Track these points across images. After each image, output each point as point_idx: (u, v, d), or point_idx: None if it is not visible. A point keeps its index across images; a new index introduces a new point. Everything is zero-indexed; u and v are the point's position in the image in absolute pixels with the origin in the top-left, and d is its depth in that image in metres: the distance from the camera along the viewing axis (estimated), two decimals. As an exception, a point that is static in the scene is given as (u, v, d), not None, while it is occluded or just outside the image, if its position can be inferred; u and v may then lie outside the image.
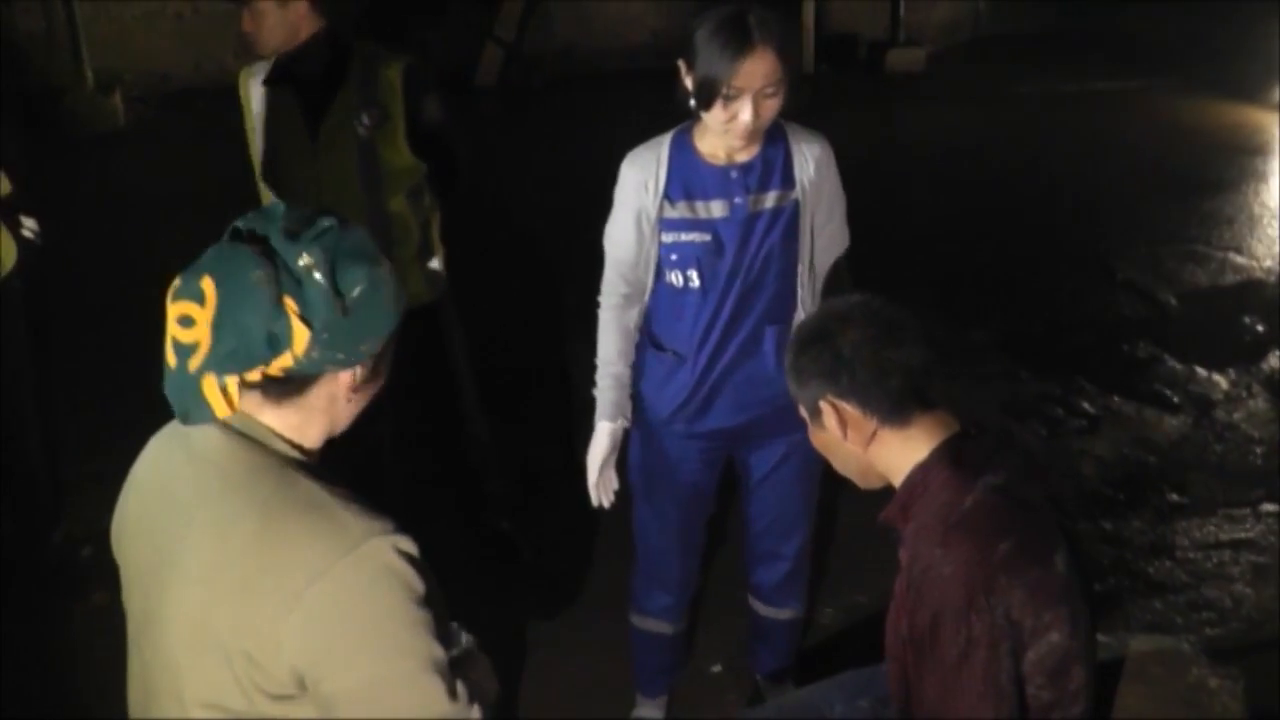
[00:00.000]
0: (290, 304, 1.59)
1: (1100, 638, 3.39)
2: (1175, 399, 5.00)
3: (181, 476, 1.72)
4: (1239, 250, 6.49)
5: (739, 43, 2.58)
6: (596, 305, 2.93)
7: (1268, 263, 6.35)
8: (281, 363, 1.62)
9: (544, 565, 4.04)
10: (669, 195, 2.75)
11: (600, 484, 2.93)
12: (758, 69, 2.58)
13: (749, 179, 2.76)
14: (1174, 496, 4.39)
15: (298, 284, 1.60)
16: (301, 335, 1.60)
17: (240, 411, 1.69)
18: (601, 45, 10.28)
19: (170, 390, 1.66)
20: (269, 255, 1.61)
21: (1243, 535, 4.16)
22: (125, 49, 8.73)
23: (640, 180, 2.76)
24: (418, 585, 1.63)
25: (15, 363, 3.72)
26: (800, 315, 2.82)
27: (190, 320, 1.60)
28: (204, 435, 1.69)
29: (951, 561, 1.85)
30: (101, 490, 4.16)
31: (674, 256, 2.78)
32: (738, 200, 2.75)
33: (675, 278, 2.80)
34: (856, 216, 3.00)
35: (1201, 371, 5.19)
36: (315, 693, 1.61)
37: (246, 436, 1.69)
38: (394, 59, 3.40)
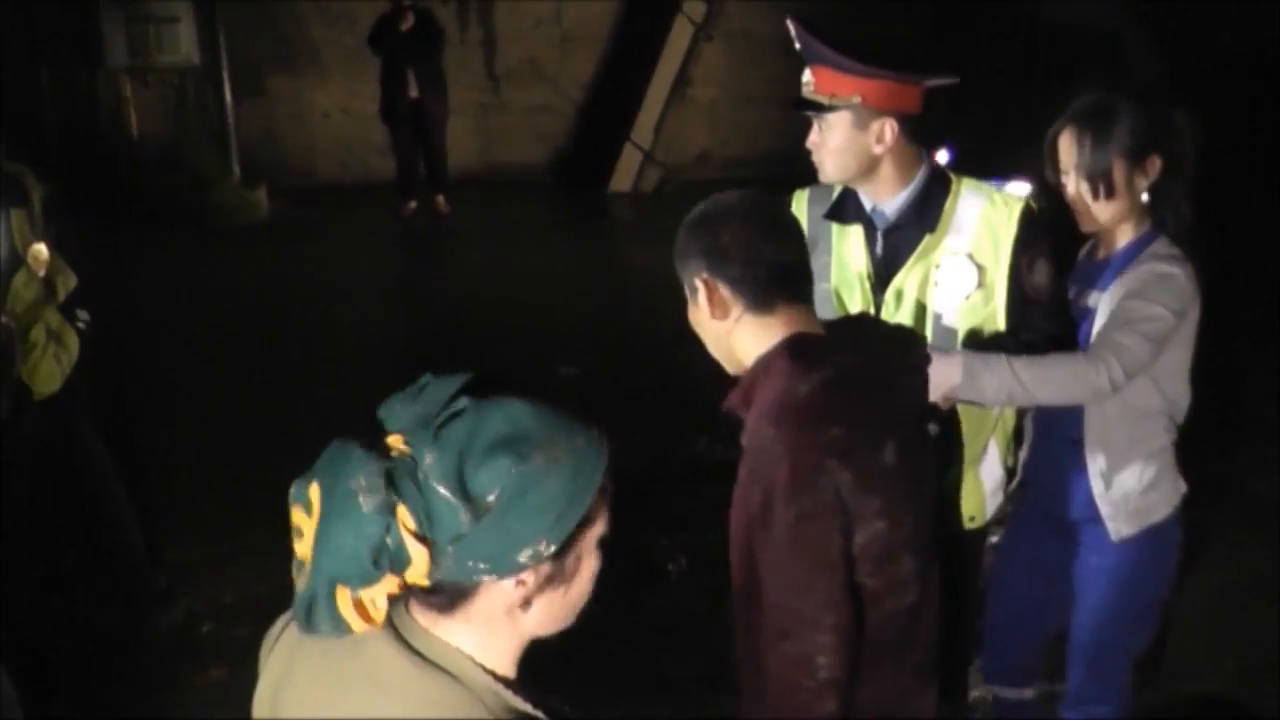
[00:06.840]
0: (404, 515, 1.25)
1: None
2: None
3: (350, 702, 1.34)
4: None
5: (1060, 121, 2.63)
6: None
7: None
8: (412, 577, 1.28)
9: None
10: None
11: None
12: (1064, 145, 2.61)
13: (1095, 274, 2.71)
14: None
15: (418, 489, 1.26)
16: (420, 554, 1.26)
17: (415, 623, 1.35)
18: (737, 153, 10.38)
19: (296, 601, 1.30)
20: (387, 454, 1.28)
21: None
22: (273, 145, 9.05)
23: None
24: None
25: (94, 456, 3.89)
26: (1090, 431, 2.70)
27: (299, 532, 1.29)
28: (378, 655, 1.33)
29: (782, 441, 1.91)
30: (219, 570, 4.24)
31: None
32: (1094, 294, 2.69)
33: None
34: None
35: None
36: None
37: (429, 662, 1.33)
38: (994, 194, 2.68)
